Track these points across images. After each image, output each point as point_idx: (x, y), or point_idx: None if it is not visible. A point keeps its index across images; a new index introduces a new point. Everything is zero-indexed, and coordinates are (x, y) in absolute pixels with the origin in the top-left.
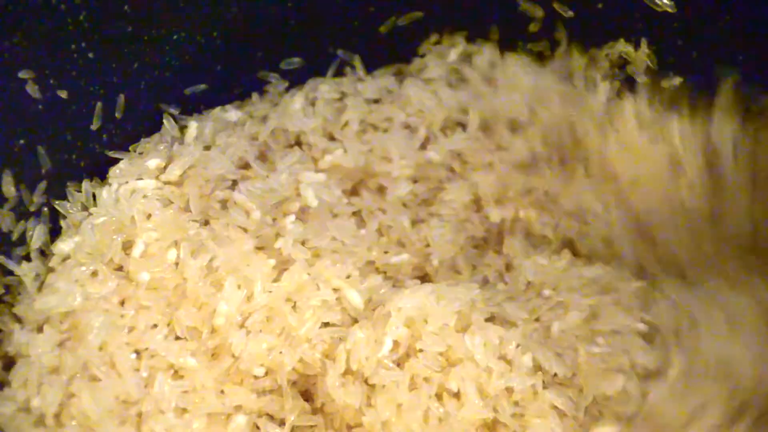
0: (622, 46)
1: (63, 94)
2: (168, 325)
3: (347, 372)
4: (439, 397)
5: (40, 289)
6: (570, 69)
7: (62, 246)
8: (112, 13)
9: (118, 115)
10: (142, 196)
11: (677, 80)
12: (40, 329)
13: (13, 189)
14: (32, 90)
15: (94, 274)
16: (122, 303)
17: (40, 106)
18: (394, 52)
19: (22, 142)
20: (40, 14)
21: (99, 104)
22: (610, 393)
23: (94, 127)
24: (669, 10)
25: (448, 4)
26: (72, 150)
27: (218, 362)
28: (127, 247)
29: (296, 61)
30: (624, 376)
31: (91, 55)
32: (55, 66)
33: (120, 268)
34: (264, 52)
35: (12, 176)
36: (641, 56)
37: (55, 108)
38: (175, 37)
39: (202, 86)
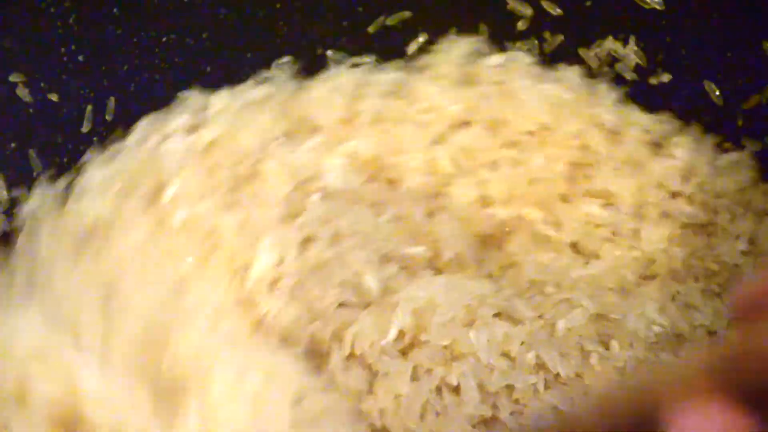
0: (611, 44)
1: (53, 98)
2: (201, 267)
3: (351, 356)
4: (438, 390)
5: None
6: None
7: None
8: (102, 16)
9: (108, 117)
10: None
11: (666, 77)
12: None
13: (5, 193)
14: (22, 94)
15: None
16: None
17: (30, 110)
18: (382, 52)
19: (13, 145)
20: (29, 17)
21: (89, 107)
22: None
23: (84, 129)
24: (657, 7)
25: (436, 4)
26: (63, 153)
27: (247, 313)
28: (154, 194)
29: (286, 61)
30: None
31: (80, 58)
32: (45, 69)
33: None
34: (253, 54)
35: (3, 180)
36: (630, 54)
37: (46, 111)
38: (164, 39)
39: (193, 88)
